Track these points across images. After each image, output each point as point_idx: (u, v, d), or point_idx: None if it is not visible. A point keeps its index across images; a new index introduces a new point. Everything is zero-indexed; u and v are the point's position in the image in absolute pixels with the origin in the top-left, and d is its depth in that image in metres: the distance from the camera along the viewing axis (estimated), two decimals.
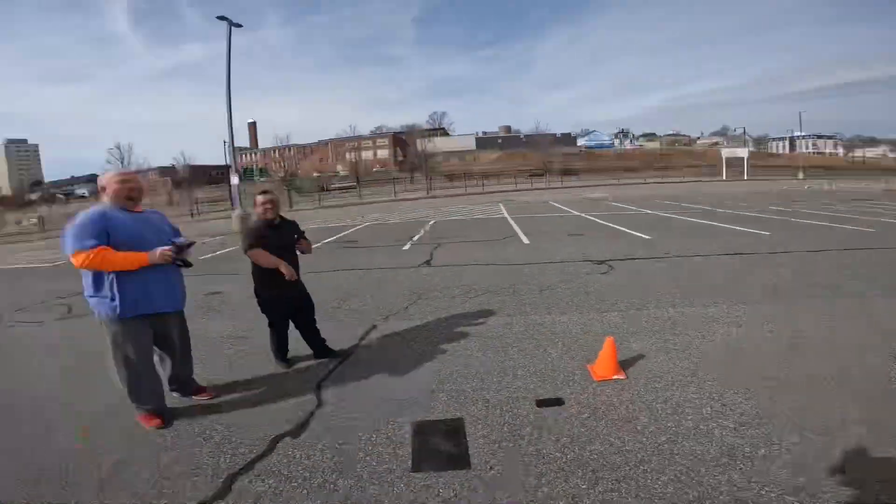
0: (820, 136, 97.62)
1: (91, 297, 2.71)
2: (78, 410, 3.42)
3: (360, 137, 75.51)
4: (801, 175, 43.79)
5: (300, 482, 2.44)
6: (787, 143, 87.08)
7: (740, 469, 2.30)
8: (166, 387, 3.26)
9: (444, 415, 3.10)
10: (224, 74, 17.57)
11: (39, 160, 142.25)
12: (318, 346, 4.19)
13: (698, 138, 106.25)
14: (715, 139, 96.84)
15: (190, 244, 2.95)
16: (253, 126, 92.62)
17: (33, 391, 3.94)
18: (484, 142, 79.27)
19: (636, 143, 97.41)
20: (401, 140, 69.34)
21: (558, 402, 3.19)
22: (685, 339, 4.23)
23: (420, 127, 71.70)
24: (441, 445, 2.73)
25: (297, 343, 4.19)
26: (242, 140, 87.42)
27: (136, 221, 2.72)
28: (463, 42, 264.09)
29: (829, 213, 13.93)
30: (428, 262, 8.63)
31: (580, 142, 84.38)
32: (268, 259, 3.67)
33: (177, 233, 3.05)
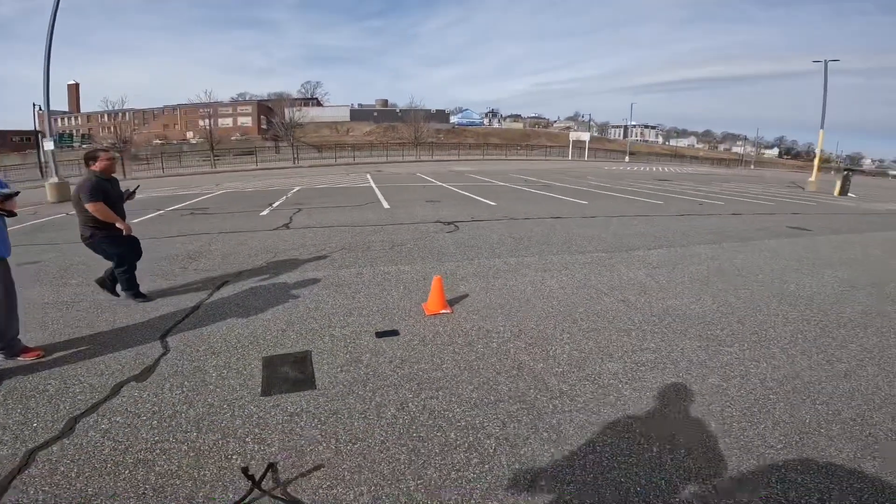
0: (647, 126, 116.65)
1: None
2: None
3: (217, 104, 67.65)
4: (627, 158, 52.38)
5: (149, 416, 2.53)
6: (621, 130, 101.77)
7: (524, 377, 3.01)
8: None
9: (293, 349, 3.39)
10: (38, 30, 14.09)
11: None
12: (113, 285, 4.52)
13: (555, 122, 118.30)
14: (568, 124, 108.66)
15: (14, 193, 2.90)
16: (75, 87, 78.10)
17: None
18: (359, 114, 77.02)
19: (503, 123, 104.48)
20: (267, 108, 63.62)
21: (394, 332, 3.71)
22: (503, 281, 5.14)
23: (290, 96, 66.71)
24: (289, 373, 3.02)
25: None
26: (61, 104, 72.68)
27: None
28: (350, 10, 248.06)
29: (636, 189, 17.27)
30: (287, 226, 8.53)
31: (453, 119, 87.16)
32: (107, 214, 4.01)
33: (2, 185, 2.98)
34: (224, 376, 2.99)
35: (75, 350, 3.36)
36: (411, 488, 2.06)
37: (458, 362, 3.23)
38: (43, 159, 16.50)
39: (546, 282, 5.12)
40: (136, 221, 9.10)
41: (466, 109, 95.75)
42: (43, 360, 3.20)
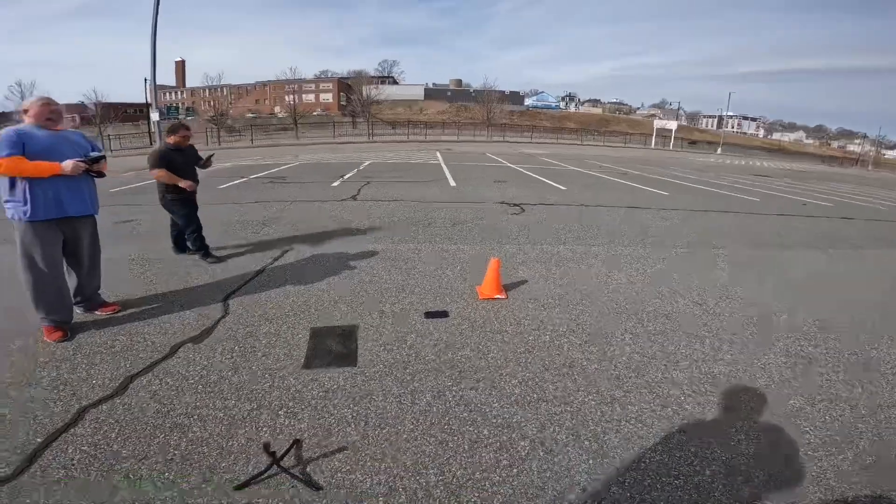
0: (745, 118, 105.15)
1: (6, 202, 2.84)
2: None
3: (302, 81, 71.56)
4: (719, 150, 47.62)
5: (197, 379, 2.60)
6: (715, 120, 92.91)
7: (574, 377, 2.73)
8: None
9: (342, 322, 3.37)
10: (150, 10, 15.46)
11: None
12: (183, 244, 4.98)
13: (638, 108, 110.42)
14: (653, 111, 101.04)
15: (101, 157, 3.04)
16: (181, 64, 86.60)
17: None
18: (433, 93, 77.30)
19: (581, 107, 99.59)
20: (346, 85, 66.08)
21: (444, 314, 3.57)
22: (565, 270, 4.79)
23: (368, 74, 68.57)
24: (333, 347, 2.99)
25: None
26: (168, 79, 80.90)
27: (54, 138, 2.89)
28: None
29: (729, 184, 15.59)
30: (354, 197, 8.70)
31: (527, 101, 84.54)
32: (169, 178, 4.39)
33: (95, 148, 3.18)
34: (272, 344, 3.03)
35: (147, 307, 3.59)
36: (431, 483, 1.92)
37: (506, 353, 3.02)
38: (151, 129, 18.31)
39: (613, 275, 4.71)
40: (221, 188, 9.80)
41: (542, 92, 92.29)
42: (117, 315, 3.42)
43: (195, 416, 2.30)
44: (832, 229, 8.11)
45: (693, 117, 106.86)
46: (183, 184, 4.44)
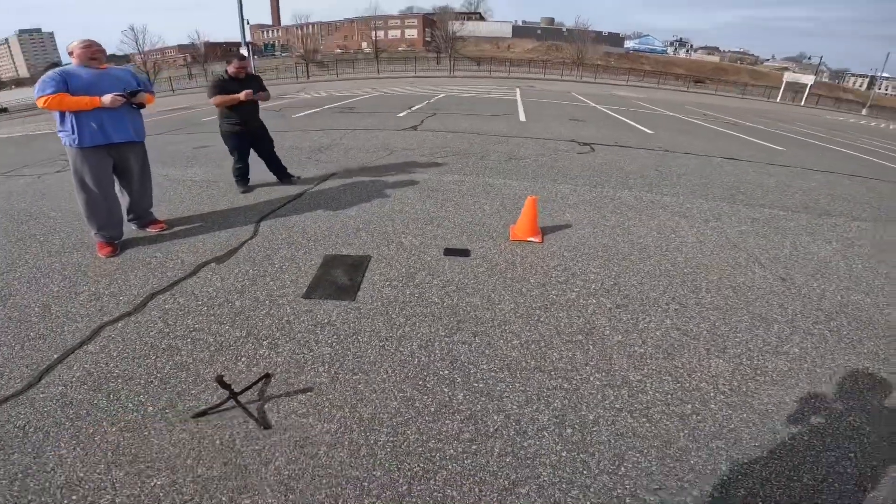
0: None
1: (59, 132, 3.05)
2: (42, 240, 3.56)
3: (388, 16, 70.09)
4: (864, 111, 39.24)
5: (205, 300, 2.56)
6: (866, 81, 77.27)
7: (587, 348, 2.25)
8: (125, 218, 3.44)
9: (357, 251, 3.16)
10: None
11: (56, 46, 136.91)
12: (281, 173, 4.82)
13: (767, 60, 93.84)
14: (786, 64, 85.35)
15: (139, 90, 3.16)
16: (275, 3, 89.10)
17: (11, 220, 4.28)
18: (522, 31, 71.58)
19: (693, 54, 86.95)
20: (431, 21, 63.48)
21: (465, 252, 3.20)
22: (621, 218, 4.09)
23: (454, 10, 64.95)
24: (339, 278, 2.80)
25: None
26: (265, 17, 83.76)
27: (97, 75, 3.04)
28: None
29: (864, 146, 12.71)
30: (415, 127, 8.29)
31: (629, 44, 75.46)
32: (224, 98, 4.21)
33: (140, 83, 3.25)
34: (283, 269, 2.91)
35: (191, 226, 3.65)
36: (379, 442, 1.68)
37: (518, 306, 2.60)
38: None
39: (680, 230, 3.95)
40: (295, 116, 9.87)
41: (647, 35, 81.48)
42: (164, 232, 3.54)
43: (188, 339, 2.25)
44: None
45: (838, 74, 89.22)
46: (238, 95, 4.22)
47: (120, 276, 2.87)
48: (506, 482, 1.56)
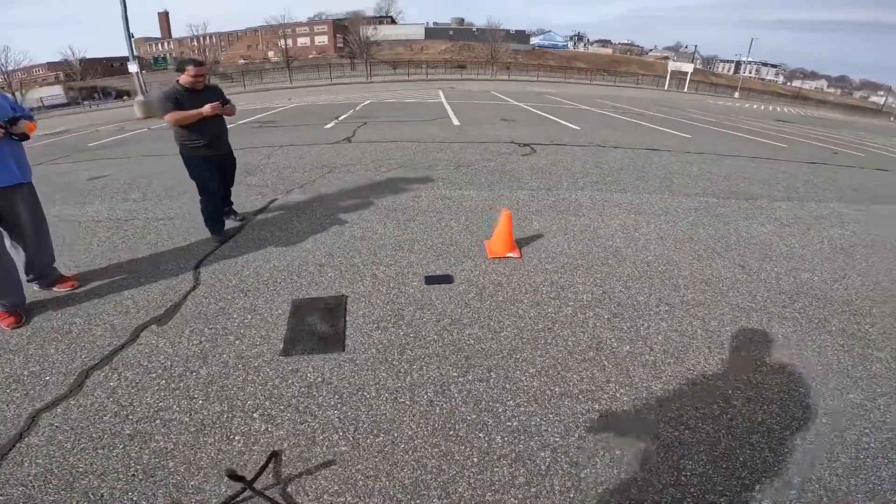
0: (765, 64, 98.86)
1: None
2: None
3: (295, 24, 67.71)
4: (736, 94, 45.04)
5: (160, 372, 2.16)
6: (732, 66, 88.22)
7: (603, 364, 2.25)
8: (24, 278, 2.79)
9: (328, 291, 2.86)
10: None
11: None
12: (228, 207, 4.09)
13: (650, 51, 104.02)
14: (666, 53, 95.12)
15: (18, 118, 2.61)
16: (165, 15, 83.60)
17: None
18: (434, 32, 72.87)
19: (590, 47, 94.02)
20: (342, 27, 62.31)
21: (448, 279, 3.04)
22: (586, 221, 4.19)
23: (365, 14, 64.19)
24: (318, 325, 2.51)
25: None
26: (151, 30, 78.36)
27: None
28: None
29: (750, 128, 14.50)
30: (349, 139, 7.92)
31: (534, 40, 79.63)
32: (184, 115, 3.33)
33: (18, 109, 2.73)
34: (247, 324, 2.54)
35: (110, 280, 3.08)
36: None
37: (521, 331, 2.51)
38: (134, 81, 17.07)
39: (641, 228, 4.11)
40: None
41: (549, 31, 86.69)
42: (77, 291, 2.94)
43: (158, 421, 1.88)
44: (869, 181, 7.37)
45: (709, 61, 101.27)
46: (204, 110, 3.35)
47: (37, 352, 2.35)
48: None
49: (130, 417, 1.89)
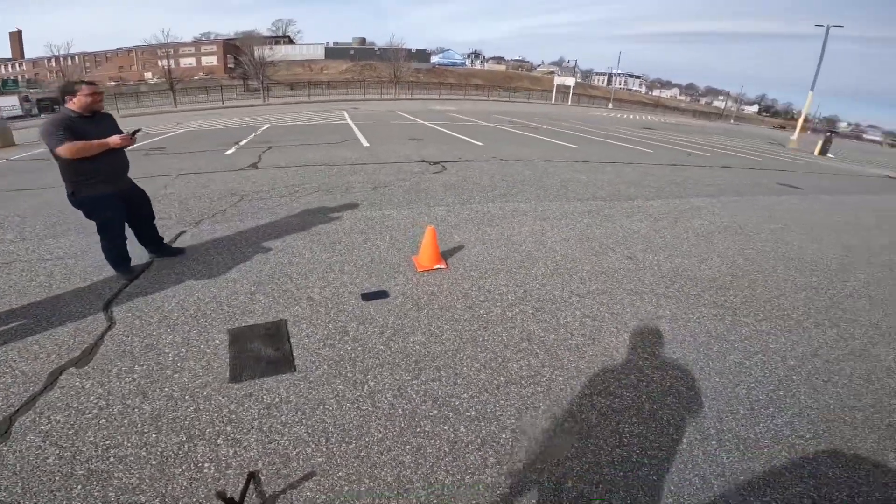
0: (631, 75, 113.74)
1: None
2: None
3: (179, 44, 62.52)
4: (610, 105, 51.07)
5: (96, 412, 2.03)
6: (605, 77, 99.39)
7: (536, 352, 2.59)
8: None
9: (265, 318, 2.86)
10: None
11: None
12: (158, 244, 3.74)
13: (538, 66, 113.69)
14: (552, 68, 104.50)
15: None
16: (17, 35, 72.95)
17: None
18: (334, 52, 72.10)
19: (486, 64, 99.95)
20: (234, 47, 58.85)
21: (383, 294, 3.20)
22: (500, 230, 4.63)
23: (260, 34, 61.38)
24: (262, 351, 2.51)
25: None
26: (3, 52, 67.79)
27: None
28: None
29: (623, 136, 16.65)
30: (255, 165, 7.65)
31: (434, 59, 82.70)
32: (89, 145, 2.93)
33: None
34: (183, 357, 2.46)
35: (5, 327, 2.74)
36: (421, 499, 1.67)
37: (460, 333, 2.77)
38: None
39: (546, 232, 4.64)
40: None
41: (448, 50, 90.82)
42: None
43: (111, 459, 1.79)
44: (717, 178, 8.97)
45: (587, 75, 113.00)
46: (111, 141, 3.02)
47: None
48: (551, 483, 1.76)
49: (78, 457, 1.78)
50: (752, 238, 5.04)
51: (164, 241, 3.83)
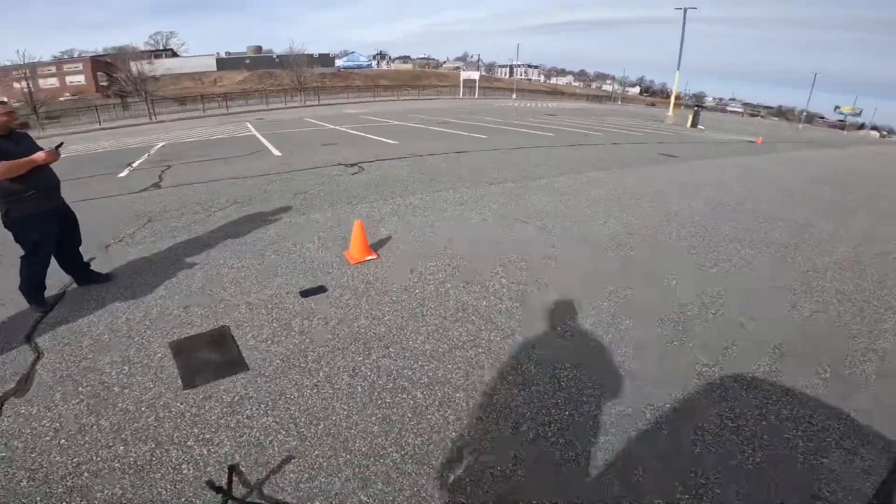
0: (530, 66, 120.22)
1: None
2: None
3: (37, 63, 54.38)
4: (514, 95, 53.77)
5: (53, 434, 2.00)
6: (507, 70, 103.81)
7: (472, 319, 2.91)
8: None
9: (204, 327, 2.87)
10: None
11: None
12: (84, 270, 3.55)
13: (444, 63, 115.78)
14: (457, 64, 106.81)
15: None
16: None
17: None
18: (228, 62, 67.17)
19: (392, 64, 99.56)
20: (105, 64, 52.35)
21: (321, 289, 3.34)
22: (423, 219, 4.91)
23: (136, 49, 55.29)
24: (210, 357, 2.55)
25: None
26: None
27: None
28: None
29: (527, 123, 17.77)
30: (157, 185, 7.18)
31: (338, 62, 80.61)
32: (14, 165, 2.81)
33: None
34: (128, 373, 2.43)
35: None
36: (397, 461, 1.88)
37: (400, 312, 3.01)
38: None
39: (465, 215, 5.02)
40: None
41: (353, 52, 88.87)
42: None
43: (86, 475, 1.80)
44: (609, 153, 10.05)
45: (490, 68, 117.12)
46: (38, 157, 2.89)
47: None
48: (508, 428, 2.06)
49: (52, 476, 1.78)
50: (640, 201, 5.84)
51: (90, 268, 3.62)
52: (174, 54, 68.96)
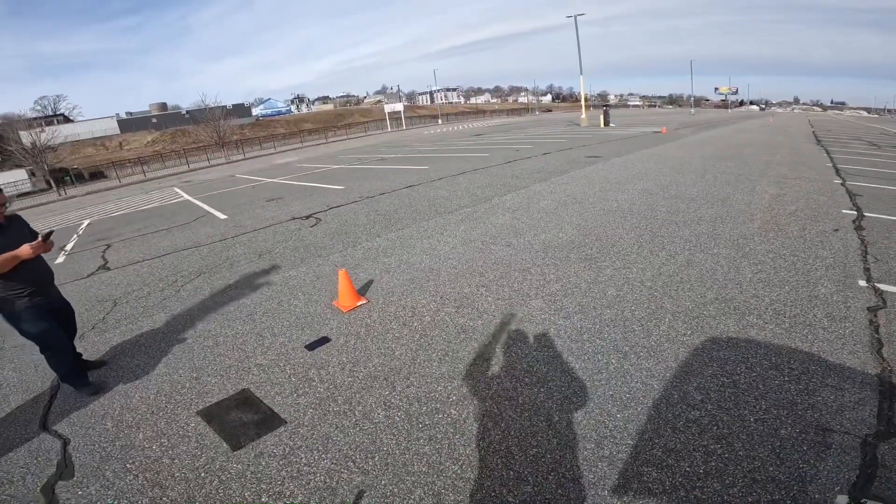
0: (449, 89, 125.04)
1: None
2: None
3: None
4: (440, 121, 55.68)
5: None
6: (428, 96, 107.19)
7: (473, 339, 3.28)
8: None
9: (224, 394, 3.00)
10: None
11: None
12: (78, 360, 3.50)
13: (365, 97, 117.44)
14: (378, 97, 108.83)
15: None
16: None
17: None
18: (131, 123, 63.41)
19: (312, 107, 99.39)
20: None
21: (325, 340, 3.57)
22: (397, 258, 5.25)
23: (23, 116, 50.95)
24: (244, 418, 2.71)
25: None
26: None
27: None
28: (85, 12, 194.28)
29: (461, 147, 18.70)
30: (105, 267, 6.94)
31: (255, 111, 79.14)
32: (1, 259, 2.76)
33: None
34: (169, 445, 2.55)
35: None
36: (456, 472, 2.15)
37: (408, 345, 3.32)
38: None
39: (434, 246, 5.41)
40: None
41: (269, 99, 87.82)
42: None
43: None
44: (543, 164, 10.95)
45: (411, 96, 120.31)
46: (23, 252, 2.81)
47: None
48: (542, 423, 2.45)
49: None
50: (584, 203, 6.57)
51: (82, 357, 3.58)
52: (67, 119, 64.28)
